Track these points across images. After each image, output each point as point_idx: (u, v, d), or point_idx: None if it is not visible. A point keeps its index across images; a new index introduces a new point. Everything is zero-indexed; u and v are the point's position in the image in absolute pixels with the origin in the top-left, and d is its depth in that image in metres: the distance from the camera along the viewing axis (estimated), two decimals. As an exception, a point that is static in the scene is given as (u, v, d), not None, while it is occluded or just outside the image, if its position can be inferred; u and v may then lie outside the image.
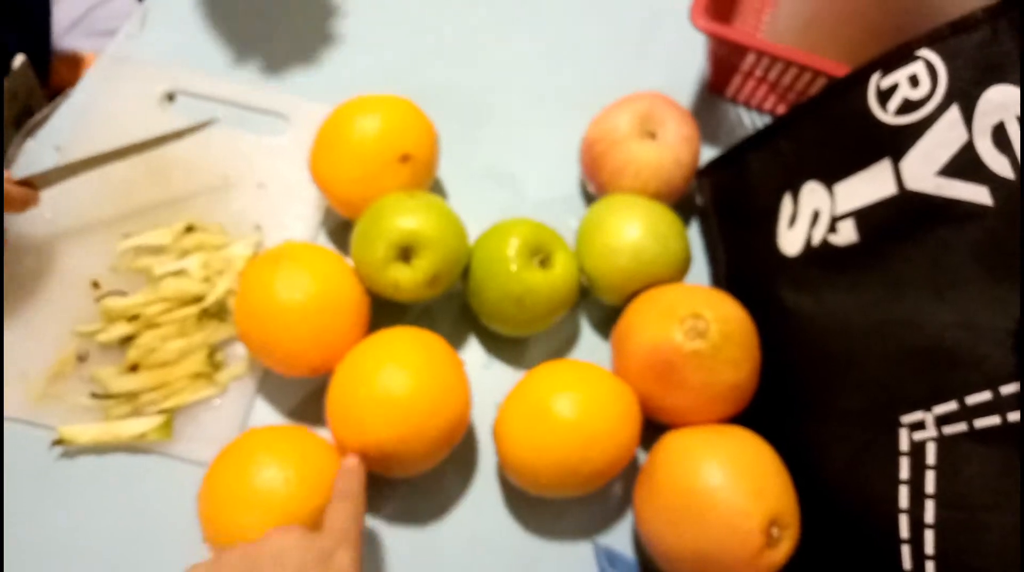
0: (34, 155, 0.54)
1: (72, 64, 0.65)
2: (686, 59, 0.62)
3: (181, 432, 0.45)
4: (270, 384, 0.48)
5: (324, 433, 0.43)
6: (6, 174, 0.44)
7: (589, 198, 0.56)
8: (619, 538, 0.46)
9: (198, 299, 0.48)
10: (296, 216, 0.53)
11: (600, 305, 0.51)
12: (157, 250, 0.50)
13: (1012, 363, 0.34)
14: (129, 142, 0.49)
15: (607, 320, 0.49)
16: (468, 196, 0.56)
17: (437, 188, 0.56)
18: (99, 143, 0.53)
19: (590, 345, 0.51)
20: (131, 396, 0.45)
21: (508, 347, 0.51)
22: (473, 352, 0.50)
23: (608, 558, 0.45)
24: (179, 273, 0.48)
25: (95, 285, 0.49)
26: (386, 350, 0.42)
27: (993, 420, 0.34)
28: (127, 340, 0.47)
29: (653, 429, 0.44)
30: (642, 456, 0.46)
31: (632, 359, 0.44)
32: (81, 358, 0.47)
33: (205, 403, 0.46)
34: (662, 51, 0.63)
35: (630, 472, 0.44)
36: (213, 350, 0.47)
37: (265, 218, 0.52)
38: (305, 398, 0.48)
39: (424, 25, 0.62)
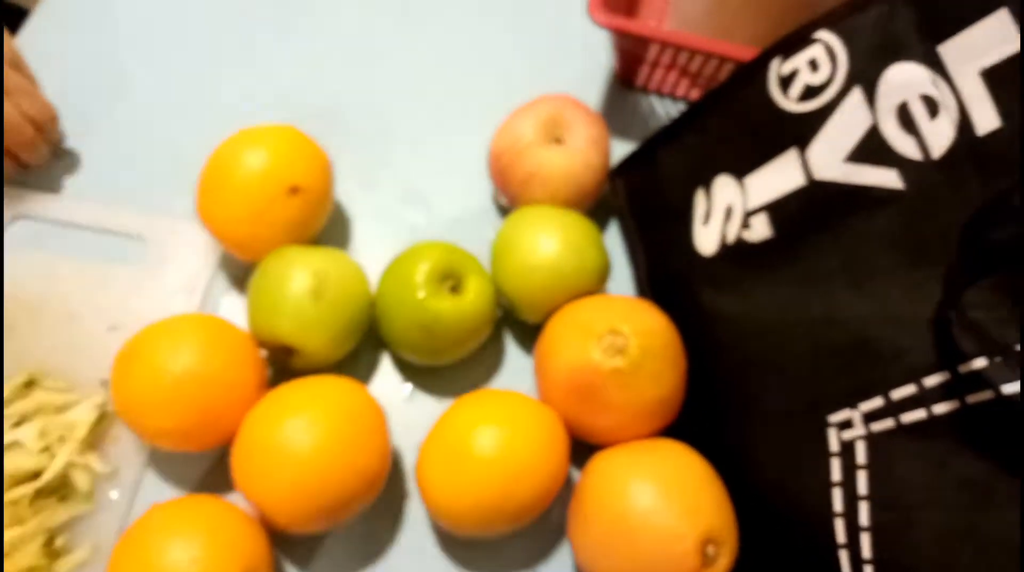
0: None
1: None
2: (595, 52, 0.60)
3: None
4: (163, 464, 0.45)
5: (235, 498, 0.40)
6: None
7: (503, 210, 0.54)
8: (561, 566, 0.44)
9: (34, 475, 0.42)
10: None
11: (524, 322, 0.49)
12: None
13: (933, 354, 0.33)
14: None
15: (532, 337, 0.47)
16: (377, 221, 0.53)
17: (338, 215, 0.53)
18: None
19: (516, 366, 0.49)
20: None
21: (431, 375, 0.48)
22: (394, 384, 0.48)
23: (553, 589, 0.43)
24: (12, 445, 0.42)
25: None
26: (288, 404, 0.40)
27: (919, 414, 0.33)
28: None
29: (589, 448, 0.43)
30: (578, 477, 0.45)
31: (553, 382, 0.42)
32: None
33: None
34: (569, 47, 0.61)
35: (567, 497, 0.43)
36: (52, 536, 0.41)
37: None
38: (210, 468, 0.45)
39: (306, 48, 0.59)
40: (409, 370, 0.48)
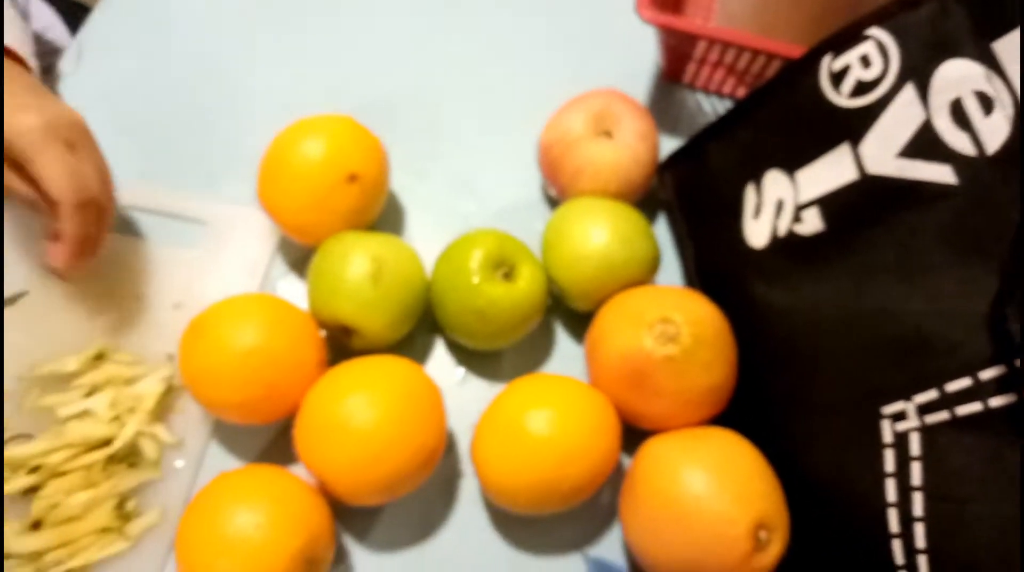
0: None
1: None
2: (641, 49, 0.61)
3: None
4: (229, 435, 0.46)
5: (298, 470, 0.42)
6: None
7: (552, 202, 0.55)
8: (610, 547, 0.45)
9: (105, 443, 0.44)
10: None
11: (574, 311, 0.50)
12: (66, 380, 0.46)
13: (989, 347, 0.34)
14: None
15: (582, 326, 0.48)
16: (429, 209, 0.55)
17: (392, 204, 0.54)
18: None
19: (566, 353, 0.50)
20: (34, 556, 0.41)
21: (483, 360, 0.50)
22: (447, 367, 0.49)
23: (600, 569, 0.44)
24: (84, 414, 0.45)
25: None
26: (351, 381, 0.41)
27: (975, 407, 0.34)
28: (31, 490, 0.43)
29: (639, 433, 0.44)
30: (628, 461, 0.46)
31: (605, 368, 0.43)
32: None
33: (115, 559, 0.42)
34: (615, 43, 0.62)
35: (618, 479, 0.44)
36: (123, 500, 0.43)
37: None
38: (273, 440, 0.46)
39: (364, 41, 0.61)
40: (462, 354, 0.50)
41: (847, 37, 0.41)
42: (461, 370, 0.49)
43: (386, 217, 0.53)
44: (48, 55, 0.68)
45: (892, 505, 0.36)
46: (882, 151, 0.39)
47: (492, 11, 0.63)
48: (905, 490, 0.36)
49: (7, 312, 0.48)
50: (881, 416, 0.37)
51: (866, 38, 0.40)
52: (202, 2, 0.62)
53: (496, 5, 0.64)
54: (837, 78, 0.41)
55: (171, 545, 0.43)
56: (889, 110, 0.39)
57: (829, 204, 0.41)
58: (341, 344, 0.46)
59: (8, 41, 0.47)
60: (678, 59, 0.57)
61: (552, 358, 0.50)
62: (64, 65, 0.58)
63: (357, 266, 0.43)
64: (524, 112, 0.56)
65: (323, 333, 0.45)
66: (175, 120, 0.57)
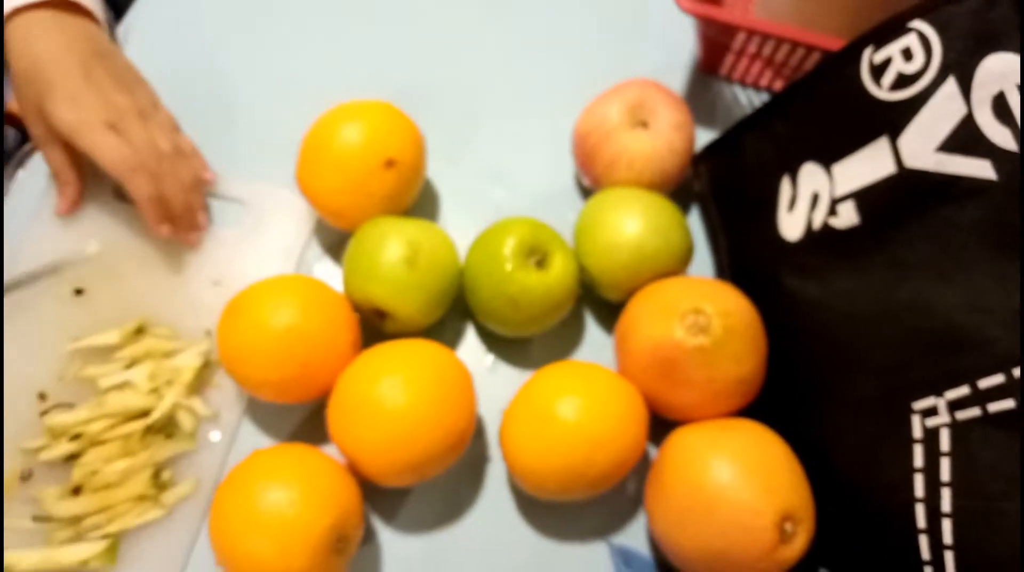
0: (25, 185, 0.53)
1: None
2: (677, 40, 0.61)
3: (126, 556, 0.43)
4: (262, 414, 0.48)
5: (329, 449, 0.43)
6: None
7: (585, 191, 0.55)
8: (635, 536, 0.45)
9: (144, 413, 0.45)
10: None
11: (604, 300, 0.50)
12: (107, 353, 0.47)
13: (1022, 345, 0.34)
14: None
15: (612, 315, 0.49)
16: (462, 196, 0.55)
17: (428, 190, 0.55)
18: (49, 239, 0.51)
19: (595, 342, 0.51)
20: (74, 520, 0.43)
21: (512, 347, 0.50)
22: (477, 354, 0.50)
23: (624, 558, 0.45)
24: (124, 386, 0.46)
25: (42, 397, 0.46)
26: (384, 363, 0.42)
27: (1007, 404, 0.34)
28: (72, 458, 0.45)
29: (664, 424, 0.44)
30: (654, 452, 0.46)
31: (635, 357, 0.43)
32: (24, 477, 0.44)
33: (151, 526, 0.44)
34: (652, 33, 0.61)
35: (643, 469, 0.44)
36: (159, 469, 0.45)
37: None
38: (305, 419, 0.47)
39: (401, 28, 0.61)
40: (492, 341, 0.50)
41: (889, 30, 0.40)
42: (491, 356, 0.50)
43: (421, 202, 0.53)
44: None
45: (920, 500, 0.36)
46: (922, 145, 0.38)
47: (531, 1, 0.63)
48: (933, 486, 0.36)
49: (54, 284, 0.50)
50: (912, 411, 0.37)
51: (909, 31, 0.39)
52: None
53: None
54: (878, 71, 0.41)
55: (205, 515, 0.45)
56: (930, 104, 0.38)
57: (865, 198, 0.40)
58: (374, 327, 0.47)
59: None
60: (716, 51, 0.57)
61: (582, 347, 0.50)
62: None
63: (393, 250, 0.44)
64: (560, 101, 0.56)
65: (357, 316, 0.46)
66: (216, 105, 0.58)
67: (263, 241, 0.52)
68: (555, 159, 0.56)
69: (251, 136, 0.56)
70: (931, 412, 0.36)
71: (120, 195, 0.52)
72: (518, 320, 0.46)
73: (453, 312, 0.49)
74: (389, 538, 0.45)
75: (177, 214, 0.49)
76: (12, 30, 0.48)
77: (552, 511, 0.45)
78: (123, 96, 0.49)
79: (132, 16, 0.62)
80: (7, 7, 0.48)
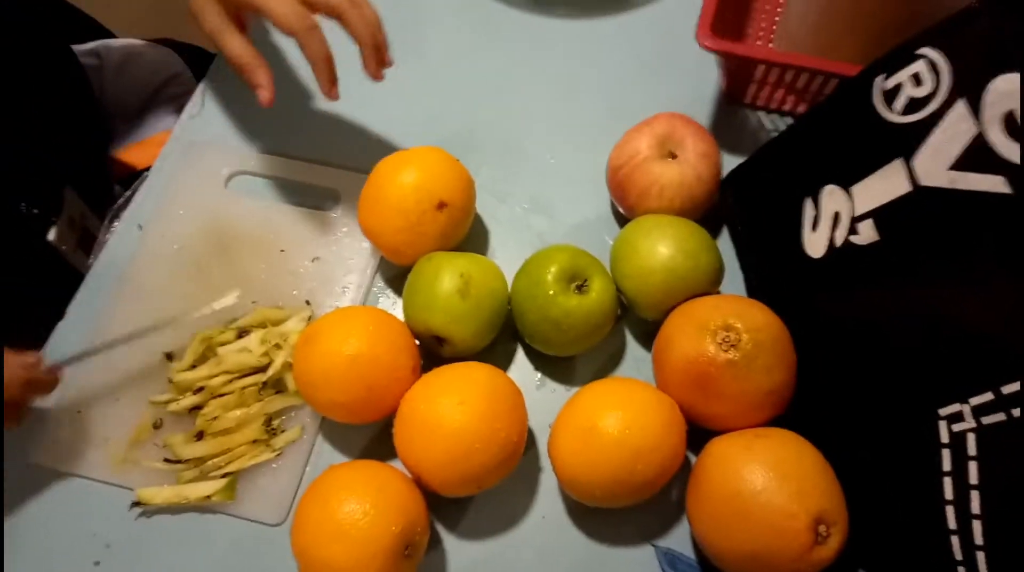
0: (122, 235, 0.58)
1: (142, 148, 0.70)
2: (702, 73, 0.61)
3: (243, 493, 0.48)
4: (336, 433, 0.50)
5: (396, 464, 0.45)
6: (37, 359, 0.46)
7: (620, 218, 0.57)
8: (679, 540, 0.46)
9: (257, 371, 0.50)
10: (346, 285, 0.54)
11: (642, 320, 0.51)
12: (224, 320, 0.53)
13: (1042, 350, 0.33)
14: (143, 327, 0.52)
15: (650, 334, 0.50)
16: (509, 227, 0.57)
17: (477, 224, 0.57)
18: (175, 221, 0.57)
19: (635, 358, 0.52)
20: (198, 461, 0.48)
21: (558, 366, 0.52)
22: (527, 373, 0.52)
23: (669, 560, 0.45)
24: (242, 350, 0.51)
25: (168, 357, 0.52)
26: (443, 385, 0.44)
27: (1030, 408, 0.33)
28: (195, 409, 0.50)
29: (703, 433, 0.44)
30: (694, 459, 0.47)
31: (671, 372, 0.44)
32: (156, 426, 0.50)
33: (263, 466, 0.48)
34: (678, 69, 0.62)
35: (685, 476, 0.45)
36: (270, 418, 0.49)
37: (318, 290, 0.54)
38: (374, 437, 0.50)
39: (449, 77, 0.64)
40: (539, 360, 0.52)
41: (899, 57, 0.41)
42: (539, 375, 0.51)
43: (472, 236, 0.55)
44: (179, 98, 0.75)
45: (950, 503, 0.36)
46: (935, 164, 0.38)
47: (566, 44, 0.65)
48: (962, 488, 0.35)
49: (175, 259, 0.55)
50: (938, 417, 0.37)
51: (918, 57, 0.40)
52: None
53: (570, 39, 0.65)
54: (890, 96, 0.41)
55: (308, 457, 0.49)
56: (941, 125, 0.38)
57: (883, 215, 0.41)
58: (433, 352, 0.49)
59: None
60: (739, 81, 0.58)
61: (622, 364, 0.51)
62: (190, 108, 0.64)
63: (447, 282, 0.46)
64: (594, 136, 0.58)
65: (417, 342, 0.48)
66: (291, 151, 0.61)
67: (352, 224, 0.56)
68: (592, 190, 0.57)
69: (320, 176, 0.59)
70: (957, 417, 0.36)
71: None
72: (562, 341, 0.47)
73: (503, 335, 0.51)
74: (453, 544, 0.47)
75: (366, 55, 0.48)
76: None
77: (600, 516, 0.46)
78: None
79: (210, 77, 0.65)
80: None
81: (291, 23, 0.45)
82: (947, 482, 0.36)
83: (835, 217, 0.44)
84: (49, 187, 0.57)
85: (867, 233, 0.41)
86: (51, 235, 0.55)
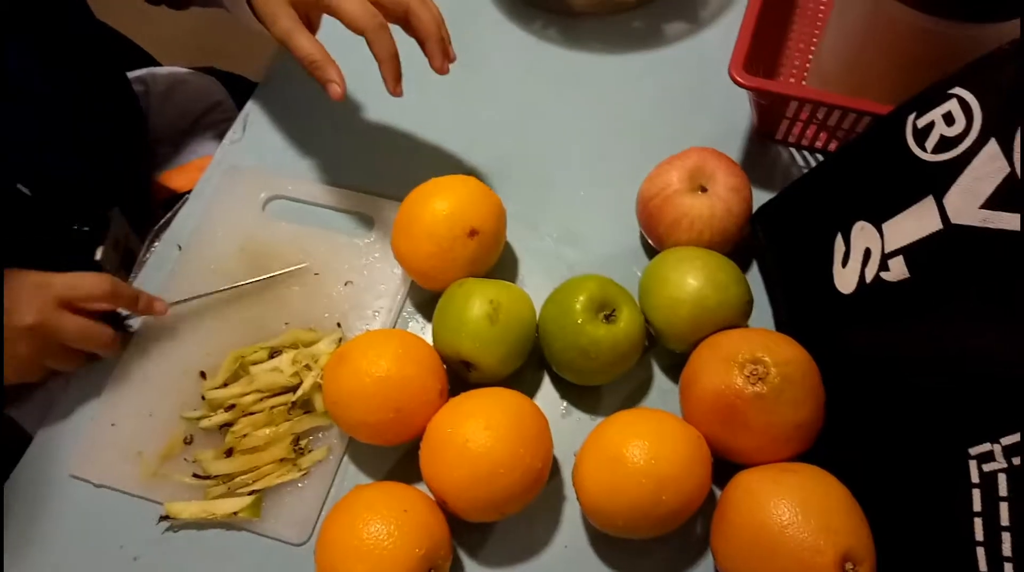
0: (161, 255, 0.60)
1: (183, 173, 0.73)
2: (735, 108, 0.63)
3: (268, 511, 0.49)
4: (363, 454, 0.51)
5: (421, 487, 0.46)
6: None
7: (650, 249, 0.58)
8: (703, 574, 0.46)
9: (287, 391, 0.52)
10: (377, 310, 0.56)
11: (669, 351, 0.52)
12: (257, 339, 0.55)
13: (1075, 392, 0.33)
14: (232, 284, 0.56)
15: (677, 365, 0.50)
16: (538, 256, 0.58)
17: (508, 252, 0.58)
18: (213, 242, 0.59)
19: (662, 390, 0.52)
20: (226, 477, 0.50)
21: (584, 395, 0.52)
22: (552, 401, 0.52)
23: (693, 595, 0.45)
24: (273, 369, 0.52)
25: (202, 375, 0.54)
26: (469, 409, 0.45)
27: (1062, 450, 0.33)
28: (225, 426, 0.51)
29: (728, 467, 0.45)
30: (719, 494, 0.47)
31: (698, 404, 0.45)
32: (186, 441, 0.52)
33: (290, 485, 0.50)
34: (710, 104, 0.64)
35: (710, 510, 0.45)
36: (298, 438, 0.51)
37: (350, 313, 0.56)
38: (399, 460, 0.51)
39: (484, 108, 0.66)
40: (565, 389, 0.53)
41: (931, 96, 0.42)
42: (564, 403, 0.52)
43: (502, 264, 0.57)
44: (220, 124, 0.78)
45: (980, 544, 0.36)
46: (966, 203, 0.39)
47: (600, 79, 0.67)
48: (993, 529, 0.35)
49: (211, 279, 0.57)
50: (969, 456, 0.37)
51: (949, 97, 0.41)
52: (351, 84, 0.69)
53: (603, 74, 0.67)
54: (922, 135, 0.42)
55: (334, 477, 0.51)
56: (973, 164, 0.39)
57: (914, 253, 0.41)
58: (460, 377, 0.50)
59: None
60: (771, 117, 0.59)
61: (649, 395, 0.52)
62: (231, 134, 0.67)
63: (477, 308, 0.47)
64: (625, 169, 0.59)
65: (444, 366, 0.50)
66: (327, 178, 0.63)
67: (385, 250, 0.58)
68: (622, 223, 0.59)
69: (357, 204, 0.62)
70: (988, 457, 0.36)
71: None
72: (589, 370, 0.48)
73: (530, 363, 0.52)
74: (474, 570, 0.47)
75: (432, 48, 0.50)
76: None
77: (623, 548, 0.47)
78: None
79: (251, 105, 0.68)
80: None
81: (363, 22, 0.47)
82: (978, 523, 0.36)
83: (866, 253, 0.44)
84: (98, 208, 0.60)
85: (898, 270, 0.42)
86: (98, 254, 0.58)
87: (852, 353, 0.44)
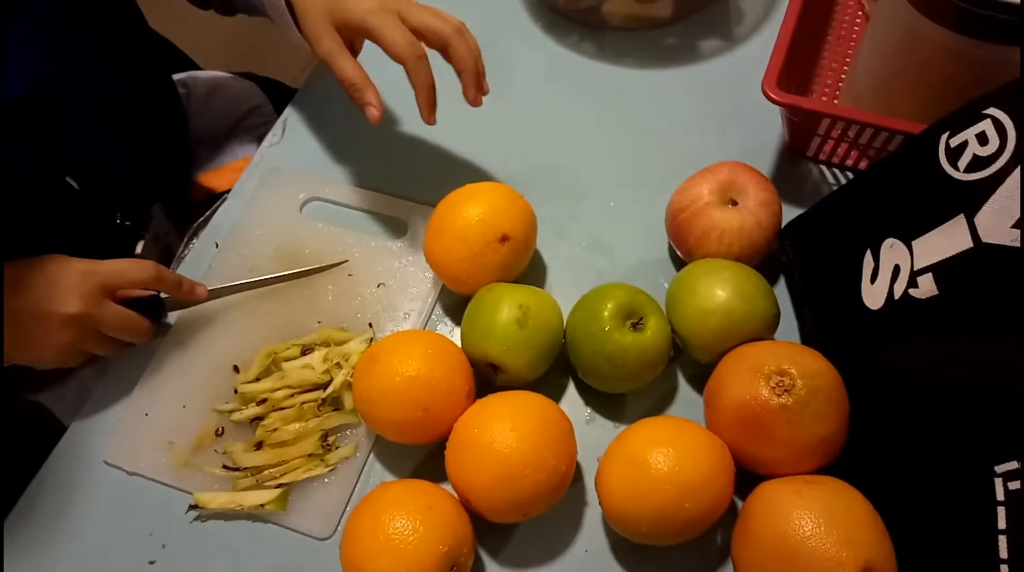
0: (199, 252, 0.62)
1: (222, 174, 0.75)
2: (767, 124, 0.63)
3: (294, 505, 0.50)
4: (389, 453, 0.53)
5: (445, 486, 0.47)
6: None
7: (678, 261, 0.58)
8: (723, 584, 0.47)
9: (318, 388, 0.53)
10: (408, 312, 0.58)
11: (695, 361, 0.53)
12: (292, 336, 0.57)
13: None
14: (269, 275, 0.58)
15: (702, 376, 0.51)
16: (568, 264, 0.60)
17: (537, 259, 0.60)
18: (251, 241, 0.61)
19: (686, 399, 0.53)
20: (255, 470, 0.51)
21: (609, 402, 0.53)
22: (577, 407, 0.53)
23: (712, 605, 0.46)
24: (305, 366, 0.54)
25: (236, 369, 0.56)
26: (496, 411, 0.46)
27: (1089, 469, 0.34)
28: (256, 420, 0.53)
29: (751, 479, 0.45)
30: (741, 504, 0.47)
31: (723, 414, 0.46)
32: (218, 433, 0.53)
33: (316, 480, 0.51)
34: (743, 118, 0.65)
35: (731, 521, 0.45)
36: (326, 434, 0.52)
37: (381, 314, 0.57)
38: (425, 459, 0.52)
39: (518, 118, 0.68)
40: (590, 395, 0.53)
41: (965, 116, 0.42)
42: (588, 410, 0.53)
43: (531, 270, 0.58)
44: (258, 127, 0.80)
45: (1004, 562, 0.36)
46: (998, 222, 0.39)
47: (633, 93, 0.68)
48: (1018, 548, 0.35)
49: (248, 277, 0.59)
50: (995, 474, 0.37)
51: (984, 117, 0.41)
52: (390, 97, 0.70)
53: (636, 88, 0.69)
54: (954, 154, 0.42)
55: (360, 474, 0.52)
56: (1006, 183, 0.39)
57: (944, 270, 0.41)
58: (487, 379, 0.51)
59: None
60: (802, 134, 0.60)
61: (674, 404, 0.53)
62: (270, 137, 0.69)
63: (507, 312, 0.49)
64: (656, 181, 0.60)
65: (472, 368, 0.51)
66: (363, 182, 0.65)
67: (417, 254, 0.60)
68: (651, 234, 0.60)
69: (392, 207, 0.63)
70: (1014, 475, 0.36)
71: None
72: (615, 377, 0.49)
73: (556, 369, 0.53)
74: (495, 571, 0.48)
75: (467, 81, 0.52)
76: None
77: (644, 554, 0.47)
78: None
79: (291, 110, 0.70)
80: None
81: (403, 51, 0.49)
82: (1002, 541, 0.36)
83: (895, 270, 0.45)
84: (140, 203, 0.63)
85: (927, 287, 0.42)
86: (138, 248, 0.60)
87: (878, 368, 0.45)
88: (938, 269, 0.42)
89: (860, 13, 0.70)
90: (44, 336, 0.49)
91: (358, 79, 0.51)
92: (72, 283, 0.50)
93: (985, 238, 0.40)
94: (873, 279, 0.47)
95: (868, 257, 0.47)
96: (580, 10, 0.73)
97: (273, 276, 0.58)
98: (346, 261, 0.59)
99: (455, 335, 0.56)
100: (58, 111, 0.55)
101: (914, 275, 0.43)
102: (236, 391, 0.54)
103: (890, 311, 0.45)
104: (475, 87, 0.52)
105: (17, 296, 0.48)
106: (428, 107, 0.52)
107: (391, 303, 0.58)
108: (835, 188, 0.61)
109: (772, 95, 0.54)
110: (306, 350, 0.55)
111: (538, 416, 0.45)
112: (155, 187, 0.66)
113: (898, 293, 0.44)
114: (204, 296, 0.56)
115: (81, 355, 0.53)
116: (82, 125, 0.58)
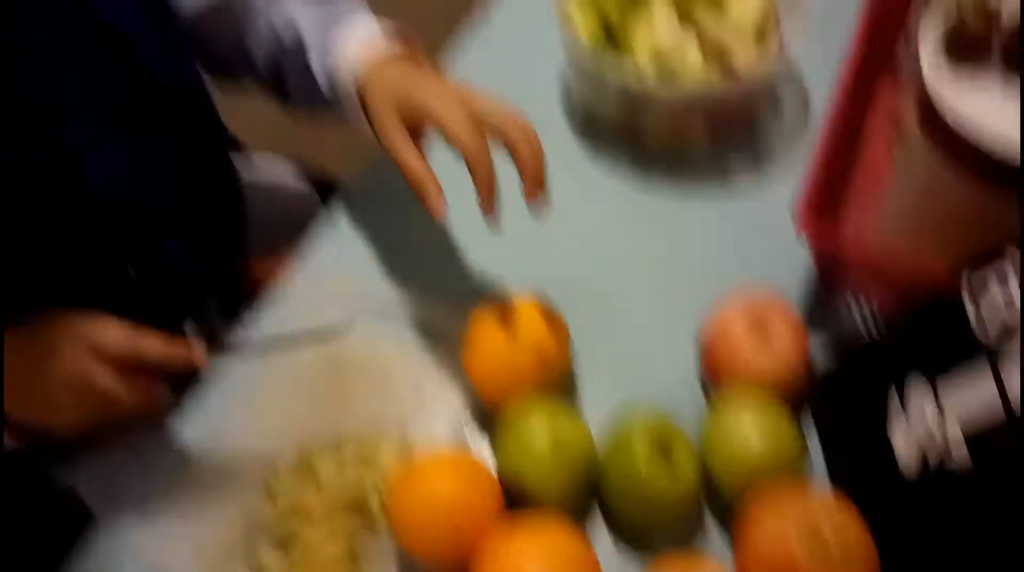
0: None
1: (269, 265, 0.77)
2: (797, 249, 0.65)
3: None
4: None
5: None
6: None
7: (708, 387, 0.60)
8: None
9: (348, 500, 0.54)
10: (441, 416, 0.59)
11: (725, 493, 0.53)
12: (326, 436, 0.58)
13: None
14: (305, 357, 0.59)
15: (731, 509, 0.51)
16: (598, 381, 0.61)
17: (571, 375, 0.61)
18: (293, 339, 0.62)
19: (714, 534, 0.53)
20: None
21: (636, 532, 0.54)
22: (602, 534, 0.54)
23: None
24: (337, 474, 0.55)
25: (270, 467, 0.56)
26: (525, 541, 0.47)
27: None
28: (286, 527, 0.54)
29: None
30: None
31: (753, 560, 0.46)
32: (248, 535, 0.54)
33: None
34: (774, 242, 0.65)
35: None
36: (355, 546, 0.53)
37: (414, 417, 0.59)
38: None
39: (555, 232, 0.68)
40: (618, 526, 0.54)
41: (988, 257, 0.44)
42: (615, 536, 0.54)
43: (563, 383, 0.59)
44: (306, 221, 0.82)
45: None
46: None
47: (668, 221, 0.70)
48: None
49: (288, 371, 0.60)
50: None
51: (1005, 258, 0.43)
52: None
53: (671, 217, 0.71)
54: (978, 294, 0.44)
55: None
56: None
57: (978, 443, 0.42)
58: (515, 498, 0.52)
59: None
60: (832, 267, 0.61)
61: (701, 538, 0.53)
62: (317, 233, 0.71)
63: (539, 441, 0.50)
64: (685, 300, 0.62)
65: (500, 488, 0.51)
66: (405, 285, 0.67)
67: (455, 363, 0.60)
68: (680, 355, 0.61)
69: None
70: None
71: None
72: (646, 520, 0.51)
73: (585, 489, 0.53)
74: None
75: (530, 184, 0.50)
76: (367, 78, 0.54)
77: None
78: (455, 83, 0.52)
79: (336, 204, 0.73)
80: (353, 78, 0.55)
81: (466, 144, 0.48)
82: None
83: (926, 432, 0.45)
84: (194, 293, 0.64)
85: (961, 458, 0.43)
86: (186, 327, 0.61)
87: (908, 529, 0.45)
88: (971, 441, 0.42)
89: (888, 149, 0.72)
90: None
91: (421, 176, 0.50)
92: (62, 342, 0.47)
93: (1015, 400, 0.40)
94: (902, 425, 0.47)
95: (894, 399, 0.48)
96: (621, 125, 0.75)
97: (300, 334, 0.56)
98: (354, 321, 0.60)
99: (486, 444, 0.58)
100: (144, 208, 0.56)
101: (947, 444, 0.43)
102: (268, 491, 0.55)
103: (923, 479, 0.45)
104: (535, 191, 0.50)
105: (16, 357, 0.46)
106: (488, 207, 0.50)
107: (425, 408, 0.59)
108: (863, 319, 0.62)
109: (805, 232, 0.56)
110: (338, 450, 0.56)
111: (564, 550, 0.46)
112: (209, 277, 0.67)
113: (932, 460, 0.44)
114: (202, 363, 0.51)
115: (89, 421, 0.50)
116: (141, 216, 0.58)
